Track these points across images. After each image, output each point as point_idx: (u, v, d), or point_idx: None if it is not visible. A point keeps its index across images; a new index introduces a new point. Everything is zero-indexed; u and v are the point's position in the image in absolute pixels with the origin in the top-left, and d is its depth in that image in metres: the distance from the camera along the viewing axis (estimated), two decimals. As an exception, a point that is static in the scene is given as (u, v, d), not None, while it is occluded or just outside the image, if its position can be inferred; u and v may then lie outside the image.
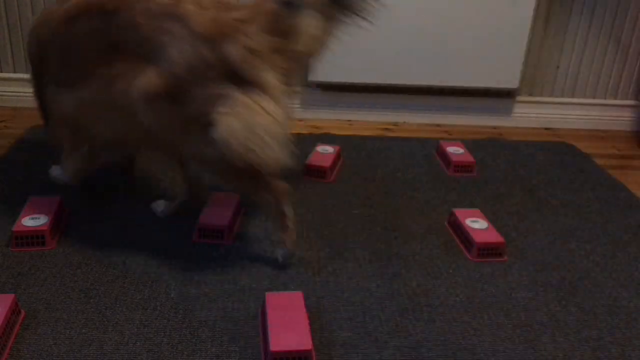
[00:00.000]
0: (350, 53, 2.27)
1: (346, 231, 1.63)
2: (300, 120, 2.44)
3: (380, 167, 2.03)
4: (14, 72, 2.37)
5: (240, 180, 1.39)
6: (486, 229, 1.60)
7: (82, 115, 1.40)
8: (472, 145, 2.22)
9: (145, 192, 1.71)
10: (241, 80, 1.25)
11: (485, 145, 2.25)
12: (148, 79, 1.26)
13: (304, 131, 2.31)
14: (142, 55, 1.27)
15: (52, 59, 1.41)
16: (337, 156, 2.01)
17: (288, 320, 1.21)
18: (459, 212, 1.66)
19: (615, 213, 1.82)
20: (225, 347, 1.20)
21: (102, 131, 1.42)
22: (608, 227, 1.74)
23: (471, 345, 1.25)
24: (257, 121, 1.26)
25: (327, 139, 2.20)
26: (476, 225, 1.60)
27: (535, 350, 1.24)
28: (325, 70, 2.31)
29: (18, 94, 2.38)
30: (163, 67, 1.25)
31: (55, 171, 1.66)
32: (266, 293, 1.29)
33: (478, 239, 1.55)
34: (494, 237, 1.57)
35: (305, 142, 2.19)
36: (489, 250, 1.54)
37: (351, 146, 2.17)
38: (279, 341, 1.15)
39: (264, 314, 1.26)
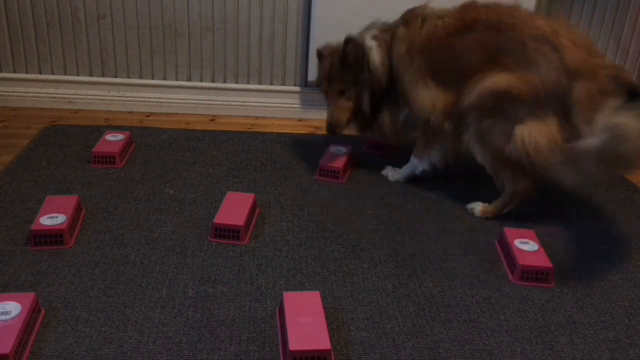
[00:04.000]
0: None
1: (361, 231, 1.64)
2: (300, 120, 2.45)
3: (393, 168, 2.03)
4: (14, 72, 2.38)
5: (503, 170, 1.72)
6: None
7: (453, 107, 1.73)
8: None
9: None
10: (561, 110, 1.59)
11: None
12: (507, 78, 1.61)
13: (304, 131, 2.32)
14: (514, 65, 1.61)
15: (434, 62, 1.75)
16: (350, 157, 2.01)
17: (306, 319, 1.21)
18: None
19: (630, 215, 1.82)
20: (244, 346, 1.21)
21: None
22: (624, 229, 1.74)
23: (489, 346, 1.25)
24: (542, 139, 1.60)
25: (340, 139, 2.21)
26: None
27: (553, 352, 1.25)
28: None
29: (18, 94, 2.39)
30: (530, 77, 1.59)
31: (394, 173, 1.97)
32: (284, 292, 1.30)
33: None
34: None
35: (317, 142, 2.20)
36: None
37: (363, 146, 2.18)
38: (298, 341, 1.16)
39: (281, 313, 1.26)
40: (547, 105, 1.59)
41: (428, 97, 1.76)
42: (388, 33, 1.84)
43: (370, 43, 1.83)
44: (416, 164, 1.93)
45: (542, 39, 1.61)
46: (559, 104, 1.59)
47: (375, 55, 1.82)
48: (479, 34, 1.69)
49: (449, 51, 1.73)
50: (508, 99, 1.62)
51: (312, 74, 2.34)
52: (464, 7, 1.76)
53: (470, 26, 1.70)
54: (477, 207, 1.78)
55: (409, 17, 1.82)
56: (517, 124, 1.63)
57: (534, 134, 1.60)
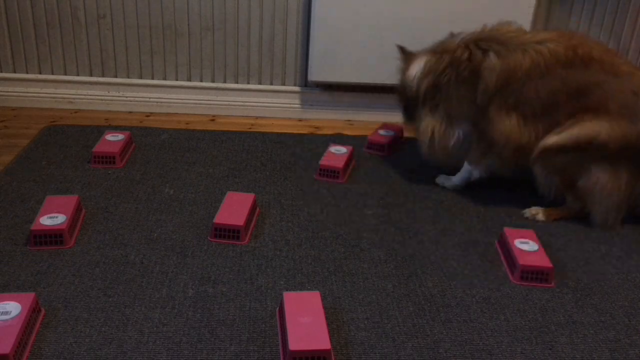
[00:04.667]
0: (351, 53, 2.29)
1: (361, 231, 1.64)
2: (300, 120, 2.45)
3: (392, 168, 2.04)
4: (14, 72, 2.38)
5: (570, 194, 1.74)
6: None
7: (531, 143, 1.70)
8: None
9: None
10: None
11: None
12: (607, 129, 1.61)
13: (304, 131, 2.32)
14: (618, 114, 1.61)
15: (530, 97, 1.68)
16: (350, 157, 2.01)
17: (306, 319, 1.22)
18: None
19: (629, 214, 1.82)
20: (244, 346, 1.21)
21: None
22: (623, 228, 1.74)
23: (489, 346, 1.25)
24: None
25: (340, 139, 2.21)
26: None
27: (553, 351, 1.25)
28: (325, 70, 2.32)
29: (18, 94, 2.39)
30: (627, 128, 1.61)
31: (447, 180, 1.93)
32: (284, 292, 1.30)
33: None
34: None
35: (317, 142, 2.20)
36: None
37: (362, 146, 2.18)
38: (298, 341, 1.16)
39: (282, 313, 1.26)
40: (630, 156, 1.63)
41: (506, 129, 1.70)
42: (458, 54, 1.74)
43: (420, 56, 1.83)
44: (470, 170, 1.88)
45: None
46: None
47: (416, 70, 1.82)
48: (594, 73, 1.64)
49: (557, 84, 1.65)
50: (595, 143, 1.62)
51: (312, 74, 2.34)
52: (569, 37, 1.70)
53: (585, 62, 1.65)
54: (539, 213, 1.76)
55: (495, 42, 1.72)
56: (593, 164, 1.65)
57: (607, 179, 1.64)
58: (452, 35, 1.84)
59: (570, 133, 1.64)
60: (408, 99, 1.88)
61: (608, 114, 1.62)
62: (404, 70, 1.89)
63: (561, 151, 1.66)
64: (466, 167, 1.89)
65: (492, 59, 1.70)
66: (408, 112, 1.94)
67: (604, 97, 1.63)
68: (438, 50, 1.80)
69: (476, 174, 1.87)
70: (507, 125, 1.70)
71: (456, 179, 1.91)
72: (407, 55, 1.92)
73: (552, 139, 1.67)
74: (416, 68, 1.82)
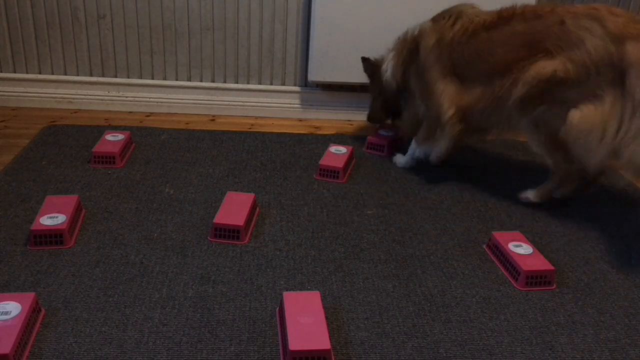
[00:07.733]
0: (350, 53, 2.29)
1: (361, 231, 1.64)
2: (300, 120, 2.45)
3: (392, 168, 2.04)
4: (14, 72, 2.38)
5: (553, 154, 1.73)
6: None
7: (476, 106, 1.77)
8: (484, 145, 2.23)
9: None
10: (618, 78, 1.54)
11: (497, 146, 2.25)
12: (551, 63, 1.60)
13: (304, 131, 2.32)
14: (555, 47, 1.60)
15: (463, 57, 1.76)
16: (350, 157, 2.01)
17: (306, 319, 1.22)
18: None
19: (629, 214, 1.82)
20: (244, 346, 1.21)
21: (482, 118, 1.79)
22: (623, 228, 1.74)
23: (489, 347, 1.25)
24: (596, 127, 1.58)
25: (340, 139, 2.21)
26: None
27: (553, 352, 1.25)
28: (325, 70, 2.32)
29: (18, 94, 2.39)
30: (575, 56, 1.57)
31: (400, 158, 2.07)
32: (284, 292, 1.30)
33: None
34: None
35: (317, 142, 2.20)
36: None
37: (362, 146, 2.18)
38: (298, 341, 1.16)
39: (282, 313, 1.26)
40: (601, 79, 1.54)
41: (449, 95, 1.78)
42: (407, 38, 1.93)
43: (387, 55, 1.99)
44: (414, 149, 2.01)
45: (581, 14, 1.59)
46: (613, 73, 1.53)
47: (388, 67, 1.97)
48: (515, 25, 1.68)
49: (482, 45, 1.72)
50: (556, 83, 1.59)
51: (312, 74, 2.34)
52: (502, 8, 1.76)
53: (506, 19, 1.70)
54: (531, 194, 1.82)
55: (440, 15, 1.85)
56: (572, 108, 1.59)
57: (585, 118, 1.57)
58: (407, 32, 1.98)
59: (526, 77, 1.64)
60: (388, 98, 2.03)
61: (549, 54, 1.61)
62: (378, 72, 2.02)
63: (531, 99, 1.65)
64: (412, 146, 2.01)
65: (426, 25, 1.86)
66: (390, 110, 2.10)
67: (534, 40, 1.63)
68: (399, 47, 1.96)
69: (419, 152, 1.99)
70: (447, 91, 1.78)
71: (404, 158, 2.04)
72: (373, 62, 2.08)
73: (513, 92, 1.67)
74: (389, 65, 1.96)
